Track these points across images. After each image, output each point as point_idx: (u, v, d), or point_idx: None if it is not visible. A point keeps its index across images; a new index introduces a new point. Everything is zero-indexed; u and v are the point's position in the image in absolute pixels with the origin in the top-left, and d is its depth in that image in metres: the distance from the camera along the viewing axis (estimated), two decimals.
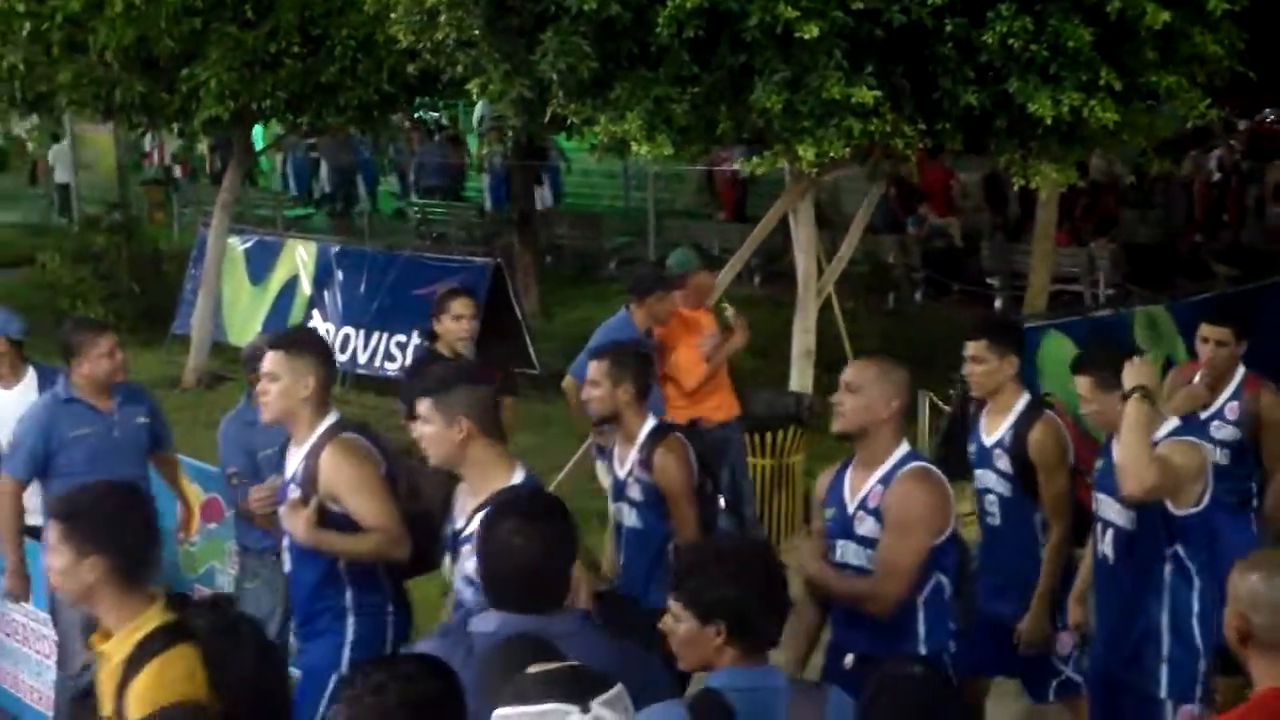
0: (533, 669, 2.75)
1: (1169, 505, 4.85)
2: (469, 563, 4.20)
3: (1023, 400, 5.67)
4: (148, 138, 26.65)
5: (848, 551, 4.69)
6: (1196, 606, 4.96)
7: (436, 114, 24.32)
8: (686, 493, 5.49)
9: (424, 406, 4.39)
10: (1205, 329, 6.51)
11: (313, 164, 25.81)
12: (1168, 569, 4.95)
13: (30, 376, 6.92)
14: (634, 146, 7.85)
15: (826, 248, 10.12)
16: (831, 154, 7.48)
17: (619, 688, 2.74)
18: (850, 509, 4.68)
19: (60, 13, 11.64)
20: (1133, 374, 4.79)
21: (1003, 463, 5.64)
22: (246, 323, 14.81)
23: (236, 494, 6.48)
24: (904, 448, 4.67)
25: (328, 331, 14.17)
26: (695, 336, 8.07)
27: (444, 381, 4.49)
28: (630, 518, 5.66)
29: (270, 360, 4.97)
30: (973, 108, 7.32)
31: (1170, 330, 9.65)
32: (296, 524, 4.81)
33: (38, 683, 6.84)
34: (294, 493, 4.89)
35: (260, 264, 15.20)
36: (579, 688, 2.68)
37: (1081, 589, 5.60)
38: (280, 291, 14.88)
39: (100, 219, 17.70)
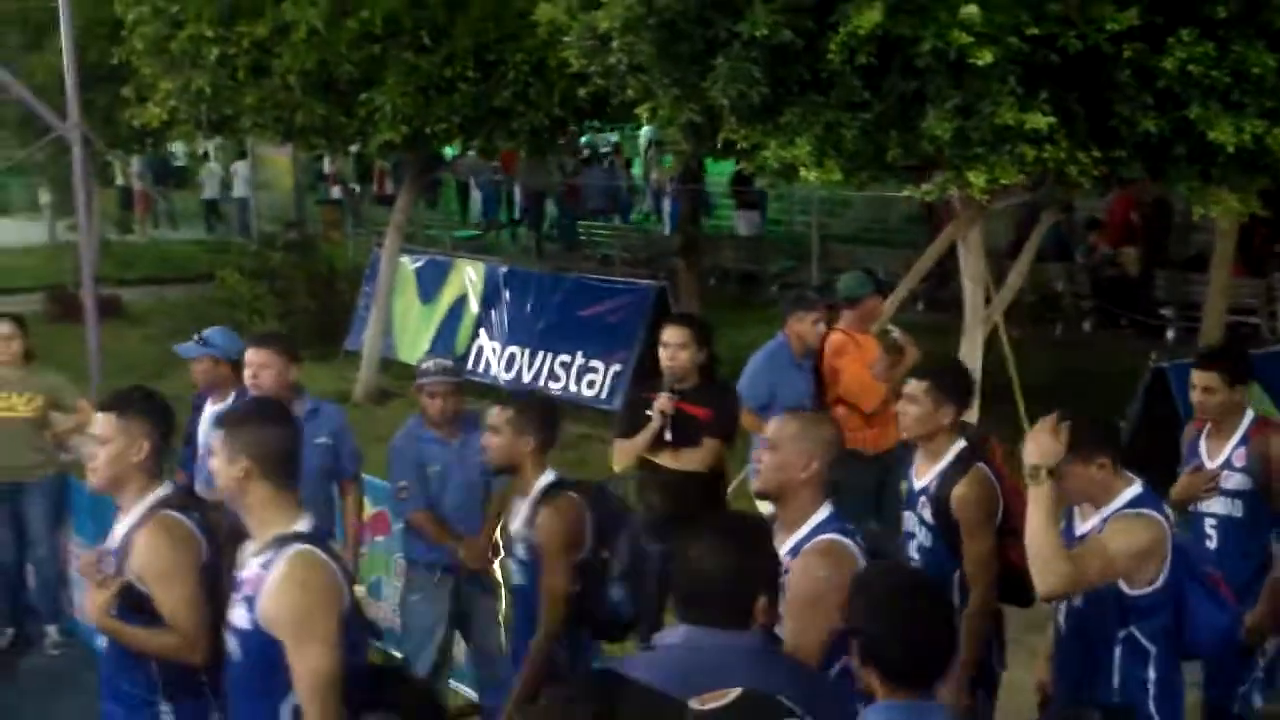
0: (721, 701, 2.76)
1: (1122, 584, 4.46)
2: (238, 611, 3.98)
3: (955, 449, 5.31)
4: (325, 159, 27.45)
5: None
6: (1154, 690, 4.55)
7: (610, 137, 24.67)
8: (560, 554, 5.11)
9: (215, 439, 4.13)
10: (1193, 375, 6.05)
11: (497, 187, 26.32)
12: (1118, 651, 4.55)
13: (232, 398, 7.06)
14: (803, 172, 7.84)
15: (994, 274, 9.99)
16: (1003, 181, 7.40)
17: None
18: None
19: (247, 38, 12.06)
20: (1032, 448, 4.32)
21: (926, 511, 5.33)
22: (416, 340, 15.16)
23: (404, 508, 6.62)
24: (822, 514, 4.22)
25: (494, 350, 14.45)
26: (867, 360, 8.02)
27: (235, 417, 4.20)
28: (517, 575, 5.39)
29: (100, 422, 4.53)
30: (1150, 134, 7.18)
31: None
32: (90, 604, 4.47)
33: None
34: (110, 566, 4.47)
35: (430, 283, 15.55)
36: (781, 705, 2.72)
37: (1049, 648, 5.11)
38: (449, 310, 15.20)
39: (277, 237, 18.28)
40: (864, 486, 8.12)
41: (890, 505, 8.12)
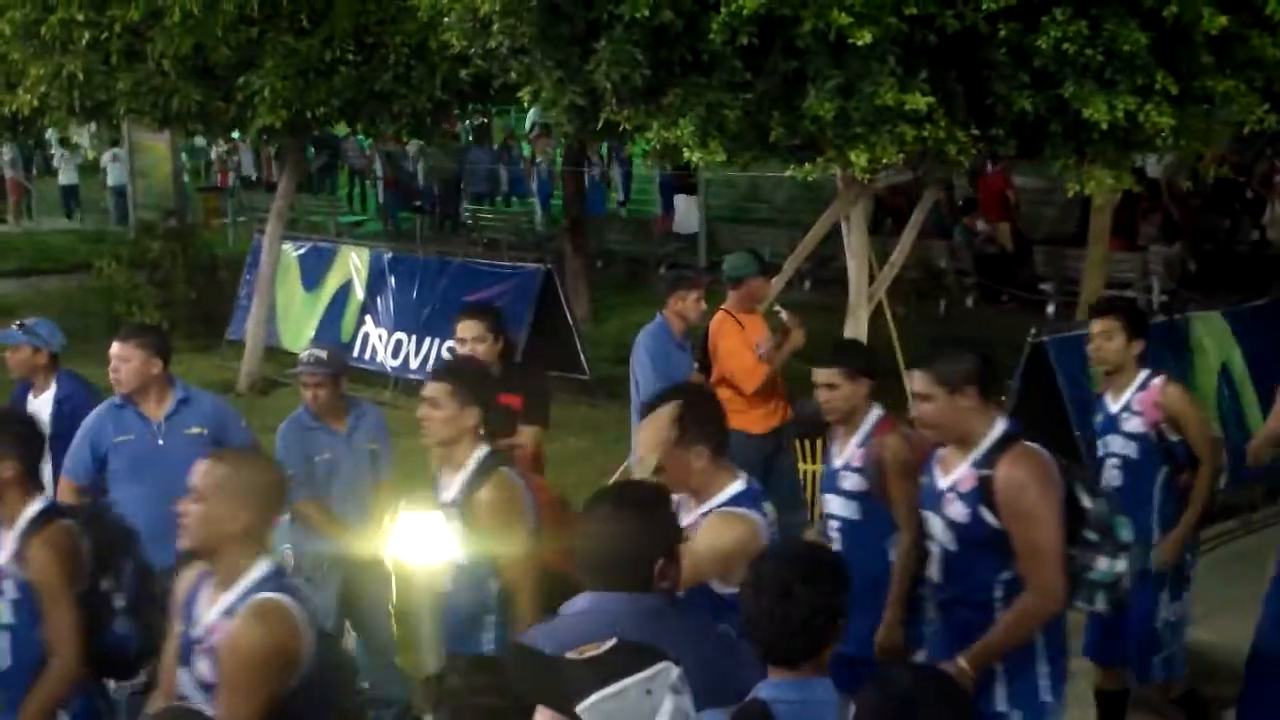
0: (597, 650, 2.77)
1: (714, 583, 4.17)
2: None
3: (477, 455, 4.83)
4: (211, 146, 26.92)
5: (184, 684, 3.91)
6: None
7: (486, 120, 24.50)
8: (60, 593, 4.52)
9: None
10: (815, 373, 5.59)
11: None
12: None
13: (54, 386, 7.05)
14: (686, 153, 7.86)
15: (878, 252, 10.08)
16: (884, 160, 7.47)
17: None
18: (194, 634, 3.89)
19: (120, 22, 11.79)
20: (639, 438, 4.17)
21: (456, 524, 4.82)
22: (300, 328, 14.95)
23: (290, 497, 6.53)
24: (260, 570, 3.80)
25: (380, 336, 14.29)
26: (751, 340, 8.06)
27: None
28: (7, 615, 4.63)
29: None
30: (1026, 113, 7.28)
31: (1227, 337, 9.55)
32: None
33: None
34: None
35: (313, 270, 15.34)
36: (654, 650, 2.76)
37: None
38: (333, 297, 15.01)
39: (156, 225, 17.91)
40: (750, 465, 8.17)
41: (777, 485, 8.20)
